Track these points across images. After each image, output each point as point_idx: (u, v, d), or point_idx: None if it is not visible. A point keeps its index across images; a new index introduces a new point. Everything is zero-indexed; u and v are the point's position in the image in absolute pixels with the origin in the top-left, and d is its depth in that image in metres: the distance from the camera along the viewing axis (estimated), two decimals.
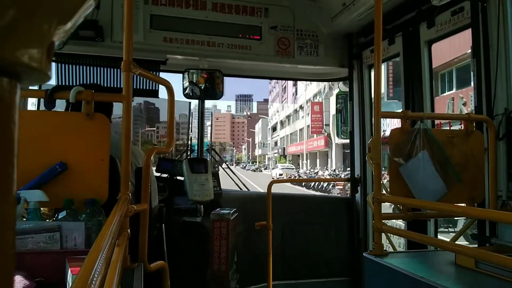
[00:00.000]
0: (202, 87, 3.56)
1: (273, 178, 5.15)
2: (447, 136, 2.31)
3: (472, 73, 2.43)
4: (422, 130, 2.22)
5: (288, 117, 65.60)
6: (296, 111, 58.80)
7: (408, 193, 2.20)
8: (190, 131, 4.36)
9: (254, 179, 24.57)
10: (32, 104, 3.16)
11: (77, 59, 3.31)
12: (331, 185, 21.94)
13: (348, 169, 5.09)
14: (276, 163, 60.57)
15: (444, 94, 18.17)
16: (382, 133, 2.13)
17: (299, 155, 57.51)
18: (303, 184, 26.07)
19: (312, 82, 27.38)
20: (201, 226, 3.09)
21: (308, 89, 50.14)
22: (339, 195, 16.10)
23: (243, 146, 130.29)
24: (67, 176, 1.67)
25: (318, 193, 17.96)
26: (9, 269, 0.27)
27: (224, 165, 4.67)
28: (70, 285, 1.19)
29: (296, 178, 27.69)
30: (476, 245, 2.23)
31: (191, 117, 4.48)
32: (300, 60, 3.73)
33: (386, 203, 2.23)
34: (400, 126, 2.26)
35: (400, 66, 3.27)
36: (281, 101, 73.18)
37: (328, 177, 27.04)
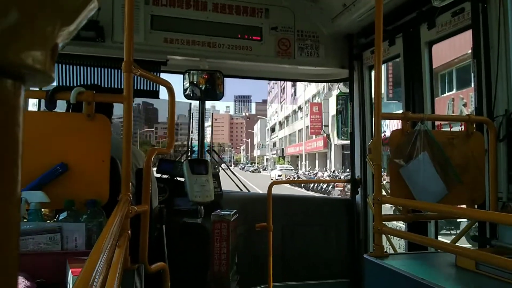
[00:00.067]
0: (203, 88, 3.56)
1: (272, 179, 5.16)
2: (447, 137, 2.31)
3: (472, 74, 2.43)
4: (423, 131, 2.22)
5: (287, 118, 65.50)
6: (295, 112, 58.71)
7: (409, 195, 2.20)
8: (190, 132, 4.36)
9: (253, 180, 24.53)
10: (33, 104, 3.16)
11: (77, 60, 3.31)
12: (331, 186, 21.90)
13: (348, 170, 5.08)
14: (275, 164, 60.47)
15: (444, 94, 18.14)
16: (382, 134, 2.13)
17: (298, 156, 57.40)
18: (302, 185, 26.04)
19: (311, 83, 27.44)
20: (202, 227, 3.09)
21: (307, 90, 50.06)
22: (339, 196, 16.08)
23: (242, 147, 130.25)
24: (68, 177, 1.67)
25: (318, 195, 17.93)
26: (14, 269, 0.27)
27: (224, 166, 4.66)
28: (70, 286, 1.19)
29: (295, 179, 27.68)
30: (477, 247, 2.23)
31: (191, 118, 4.49)
32: (301, 61, 3.72)
33: (387, 204, 2.23)
34: (400, 127, 2.26)
35: (401, 67, 3.27)
36: (280, 102, 73.14)
37: (327, 178, 27.01)
